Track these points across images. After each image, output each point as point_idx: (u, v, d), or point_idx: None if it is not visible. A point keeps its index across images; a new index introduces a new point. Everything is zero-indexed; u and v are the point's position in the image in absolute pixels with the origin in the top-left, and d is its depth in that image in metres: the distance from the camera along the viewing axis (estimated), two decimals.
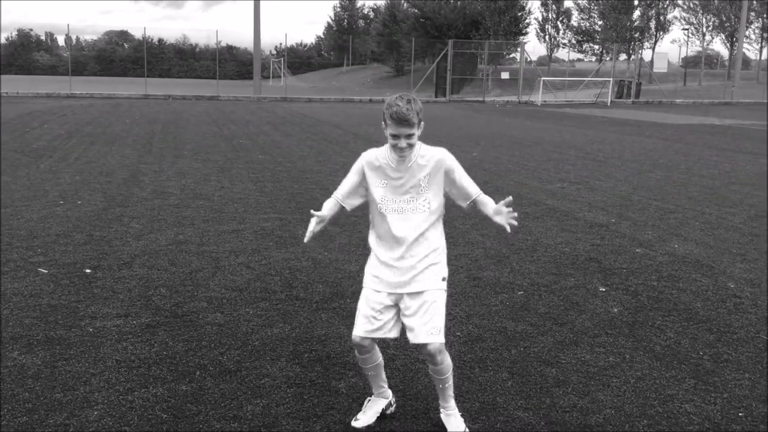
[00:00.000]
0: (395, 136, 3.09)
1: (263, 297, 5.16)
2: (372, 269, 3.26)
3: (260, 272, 5.77)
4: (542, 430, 3.36)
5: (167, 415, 3.42)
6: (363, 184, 3.28)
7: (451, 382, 3.32)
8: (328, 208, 3.28)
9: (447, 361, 3.24)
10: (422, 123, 3.15)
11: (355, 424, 3.35)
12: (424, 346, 3.15)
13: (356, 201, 3.31)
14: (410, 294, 3.17)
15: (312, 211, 3.25)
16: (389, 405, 3.47)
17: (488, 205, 3.22)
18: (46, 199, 8.66)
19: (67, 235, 6.89)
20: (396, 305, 3.21)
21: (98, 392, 3.63)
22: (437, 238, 3.25)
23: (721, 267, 6.22)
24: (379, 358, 3.38)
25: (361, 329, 3.22)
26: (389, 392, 3.50)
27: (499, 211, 3.17)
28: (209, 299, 5.09)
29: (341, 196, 3.30)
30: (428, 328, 3.13)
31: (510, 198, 3.17)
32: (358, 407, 3.50)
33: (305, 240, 3.26)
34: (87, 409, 3.45)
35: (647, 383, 3.86)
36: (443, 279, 3.24)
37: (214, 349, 4.20)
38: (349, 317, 4.76)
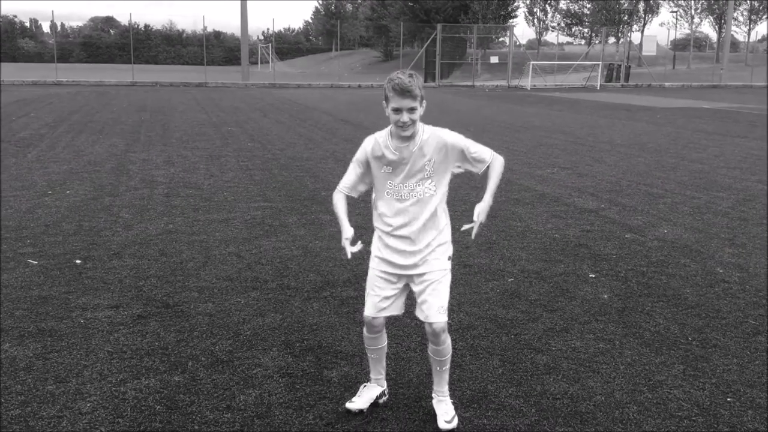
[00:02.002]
0: (397, 110, 3.02)
1: (254, 286, 5.16)
2: (378, 251, 3.27)
3: (251, 261, 5.77)
4: (533, 417, 3.38)
5: (160, 406, 3.43)
6: (367, 173, 3.25)
7: (449, 365, 3.37)
8: (344, 209, 3.28)
9: (448, 341, 3.30)
10: (424, 102, 3.10)
11: (349, 405, 3.40)
12: (429, 324, 3.21)
13: (362, 188, 3.31)
14: (418, 275, 3.21)
15: (344, 240, 3.21)
16: (383, 394, 3.49)
17: (490, 180, 3.28)
18: (34, 190, 8.60)
19: (56, 225, 6.85)
20: (403, 284, 3.27)
21: (91, 384, 3.63)
22: (443, 218, 3.25)
23: (709, 252, 6.27)
24: (385, 341, 3.43)
25: (372, 309, 3.28)
26: (384, 382, 3.53)
27: (478, 215, 3.25)
28: (200, 289, 5.08)
29: (347, 189, 3.29)
30: (437, 307, 3.19)
31: (479, 221, 3.26)
32: (351, 396, 3.51)
33: (348, 257, 3.26)
34: (80, 400, 3.45)
35: (637, 369, 3.89)
36: (449, 258, 3.28)
37: (206, 340, 4.20)
38: (341, 306, 4.77)
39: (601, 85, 44.07)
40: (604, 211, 7.85)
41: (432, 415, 3.37)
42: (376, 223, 3.30)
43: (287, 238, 6.51)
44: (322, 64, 79.24)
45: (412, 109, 3.02)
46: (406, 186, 3.16)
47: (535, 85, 43.05)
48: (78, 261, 5.70)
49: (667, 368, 3.91)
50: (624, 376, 3.80)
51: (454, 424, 3.28)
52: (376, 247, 3.30)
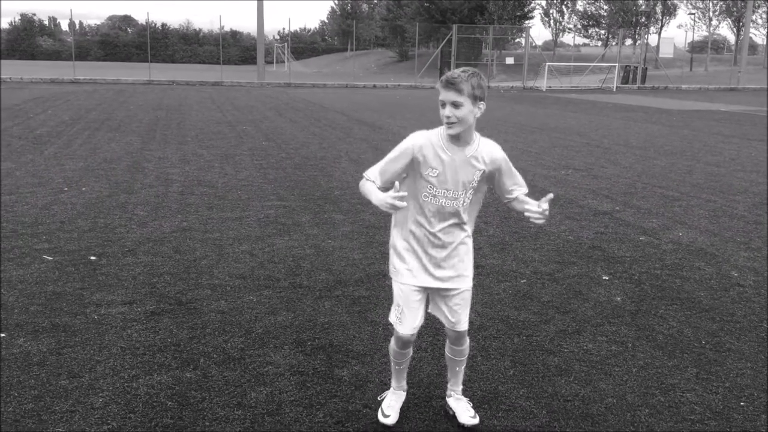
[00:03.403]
0: (442, 104, 2.88)
1: (267, 285, 5.18)
2: (405, 263, 3.11)
3: (264, 260, 5.79)
4: (544, 419, 3.37)
5: (172, 402, 3.45)
6: (406, 170, 3.02)
7: (465, 365, 3.39)
8: (373, 186, 2.97)
9: (467, 342, 3.31)
10: (481, 103, 2.91)
11: (386, 421, 3.29)
12: (456, 330, 3.22)
13: (392, 183, 3.00)
14: (453, 288, 3.12)
15: (390, 198, 2.78)
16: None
17: (525, 203, 3.07)
18: (51, 186, 8.68)
19: (71, 222, 6.91)
20: (426, 294, 3.18)
21: (103, 379, 3.65)
22: (470, 228, 3.17)
23: (725, 255, 6.21)
24: (412, 351, 3.38)
25: (409, 326, 3.13)
26: (406, 385, 3.50)
27: (536, 206, 2.98)
28: (213, 287, 5.11)
29: (377, 177, 3.00)
30: (464, 317, 3.18)
31: (551, 195, 3.01)
32: (361, 395, 3.52)
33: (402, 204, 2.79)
34: (92, 396, 3.48)
35: (649, 372, 3.87)
36: (470, 279, 3.20)
37: (218, 337, 4.22)
38: (352, 305, 4.78)
39: (617, 87, 43.82)
40: (619, 214, 7.80)
41: (443, 414, 3.37)
42: (402, 228, 3.13)
43: (300, 236, 6.53)
44: (337, 64, 79.37)
45: (456, 105, 2.86)
46: (447, 195, 3.01)
47: (550, 87, 42.88)
48: (93, 257, 5.74)
49: (680, 371, 3.88)
50: (636, 379, 3.78)
51: (477, 419, 3.31)
52: (401, 256, 3.13)
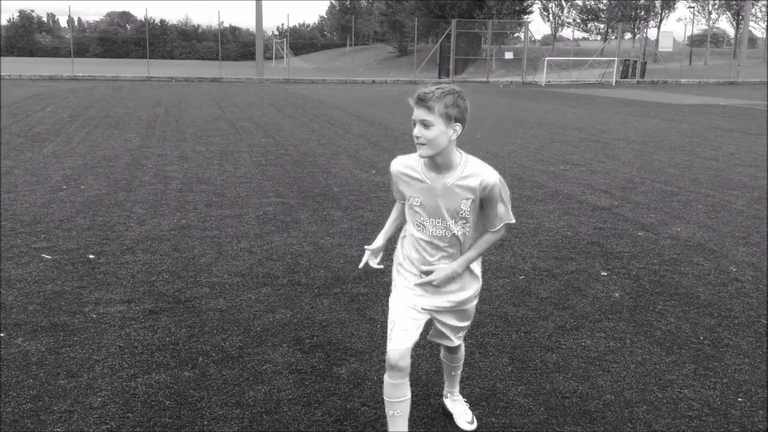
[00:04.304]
0: (413, 122, 2.68)
1: (265, 282, 5.18)
2: (405, 280, 2.93)
3: (262, 257, 5.79)
4: (542, 415, 3.38)
5: (170, 401, 3.45)
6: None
7: (461, 369, 3.36)
8: (393, 218, 3.04)
9: (463, 348, 3.25)
10: (457, 124, 2.67)
11: None
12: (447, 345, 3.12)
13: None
14: (448, 308, 2.95)
15: (367, 248, 3.03)
16: None
17: (477, 246, 2.85)
18: (50, 184, 8.67)
19: (70, 220, 6.91)
20: (425, 319, 2.95)
21: (102, 378, 3.66)
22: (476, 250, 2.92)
23: (723, 251, 6.21)
24: (409, 392, 2.91)
25: (398, 343, 2.82)
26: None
27: (435, 273, 2.85)
28: (211, 285, 5.11)
29: (399, 197, 2.99)
30: (461, 333, 3.08)
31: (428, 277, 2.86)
32: (359, 393, 3.52)
33: (359, 266, 3.11)
34: (91, 395, 3.49)
35: (647, 368, 3.87)
36: (477, 288, 3.03)
37: (217, 335, 4.22)
38: (351, 303, 4.78)
39: (616, 81, 43.77)
40: (617, 209, 7.80)
41: (440, 413, 3.37)
42: (404, 244, 2.98)
43: (299, 234, 6.53)
44: (336, 60, 79.28)
45: (425, 124, 2.64)
46: (437, 224, 2.81)
47: (549, 81, 42.83)
48: (91, 256, 5.74)
49: (678, 367, 3.89)
50: (634, 375, 3.79)
51: (476, 424, 3.28)
52: (401, 274, 2.96)
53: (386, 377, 2.87)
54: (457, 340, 3.11)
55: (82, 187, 8.56)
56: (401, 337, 2.83)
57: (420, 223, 2.84)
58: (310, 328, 4.34)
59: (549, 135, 15.01)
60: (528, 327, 4.42)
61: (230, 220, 7.01)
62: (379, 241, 3.05)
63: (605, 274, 5.51)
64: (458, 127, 2.68)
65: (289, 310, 4.65)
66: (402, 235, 3.03)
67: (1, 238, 6.21)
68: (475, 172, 2.76)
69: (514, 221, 2.87)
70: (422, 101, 2.64)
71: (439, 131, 2.65)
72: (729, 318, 4.63)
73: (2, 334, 4.16)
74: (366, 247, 3.06)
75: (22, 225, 6.66)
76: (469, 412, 3.33)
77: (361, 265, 3.06)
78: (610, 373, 3.82)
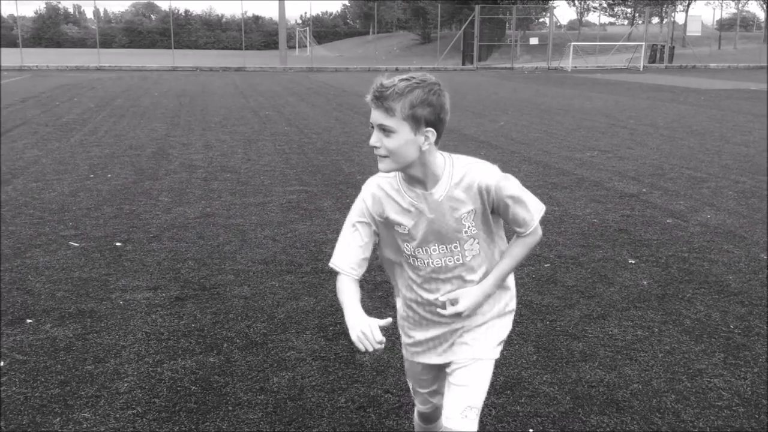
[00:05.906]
0: (371, 126, 2.06)
1: (289, 270, 5.19)
2: (408, 336, 2.39)
3: (286, 245, 5.80)
4: (568, 405, 3.34)
5: (196, 386, 3.47)
6: (372, 237, 2.22)
7: None
8: (352, 294, 2.20)
9: None
10: (428, 130, 2.00)
11: None
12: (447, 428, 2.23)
13: (366, 261, 2.23)
14: (456, 362, 2.30)
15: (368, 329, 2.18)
16: None
17: (508, 256, 2.28)
18: (77, 173, 8.77)
19: (97, 208, 6.98)
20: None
21: (128, 364, 3.69)
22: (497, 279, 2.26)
23: (754, 238, 6.09)
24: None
25: (424, 402, 2.52)
26: None
27: (461, 303, 2.21)
28: (236, 272, 5.13)
29: (349, 268, 2.21)
30: (463, 407, 2.19)
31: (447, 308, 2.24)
32: (383, 380, 3.51)
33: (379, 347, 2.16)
34: (117, 381, 3.52)
35: (676, 357, 3.81)
36: (500, 343, 2.30)
37: (241, 322, 4.24)
38: (374, 290, 4.76)
39: (644, 66, 43.10)
40: (645, 196, 7.69)
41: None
42: (404, 293, 2.35)
43: (322, 222, 6.53)
44: (359, 48, 79.09)
45: (385, 130, 2.00)
46: (436, 248, 2.17)
47: (575, 67, 42.32)
48: (118, 243, 5.80)
49: (708, 357, 3.82)
50: (662, 365, 3.73)
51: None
52: (403, 328, 2.42)
53: (416, 419, 2.67)
54: (455, 422, 2.18)
55: (109, 175, 8.65)
56: (425, 395, 2.52)
57: (412, 255, 2.19)
58: (333, 316, 4.34)
59: (575, 121, 14.83)
60: (554, 315, 4.37)
61: (254, 208, 7.03)
62: (360, 312, 2.17)
63: (633, 261, 5.43)
64: (430, 133, 2.01)
65: (312, 297, 4.65)
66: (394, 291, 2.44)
67: (29, 226, 6.29)
68: (468, 175, 2.11)
69: (543, 211, 2.30)
70: (379, 99, 2.00)
71: (404, 140, 1.99)
72: (760, 306, 4.53)
73: (31, 321, 4.22)
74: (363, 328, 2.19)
75: (50, 213, 6.75)
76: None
77: (371, 348, 2.12)
78: (638, 362, 3.76)
